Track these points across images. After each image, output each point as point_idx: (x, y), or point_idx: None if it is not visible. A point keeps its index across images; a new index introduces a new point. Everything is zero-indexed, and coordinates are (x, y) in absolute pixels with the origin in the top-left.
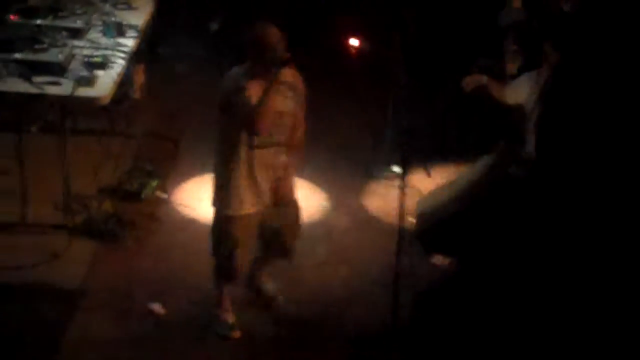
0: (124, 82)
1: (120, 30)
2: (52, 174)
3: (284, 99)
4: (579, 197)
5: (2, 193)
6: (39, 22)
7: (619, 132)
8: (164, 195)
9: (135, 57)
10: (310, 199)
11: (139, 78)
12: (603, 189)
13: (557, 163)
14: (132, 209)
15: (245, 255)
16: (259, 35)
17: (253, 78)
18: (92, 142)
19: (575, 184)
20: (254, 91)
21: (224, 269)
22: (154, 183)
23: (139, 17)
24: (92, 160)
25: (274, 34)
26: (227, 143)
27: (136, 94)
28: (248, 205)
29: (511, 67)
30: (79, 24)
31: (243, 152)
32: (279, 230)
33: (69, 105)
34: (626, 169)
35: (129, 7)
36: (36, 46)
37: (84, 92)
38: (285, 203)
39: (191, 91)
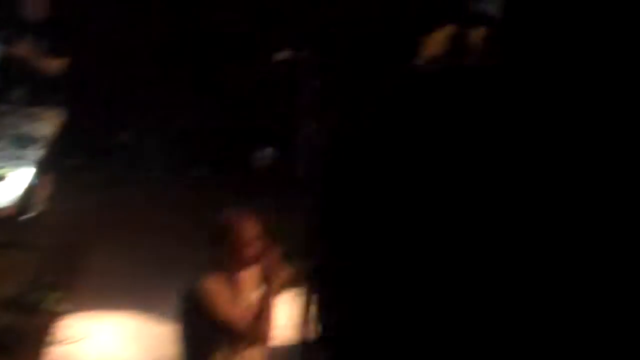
0: (29, 193)
1: (26, 141)
2: None
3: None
4: None
5: None
6: None
7: None
8: (65, 309)
9: (41, 168)
10: None
11: (45, 189)
12: None
13: None
14: (31, 322)
15: None
16: (232, 228)
17: (228, 278)
18: None
19: None
20: (243, 298)
21: None
22: (55, 296)
23: (46, 128)
24: None
25: (251, 227)
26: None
27: (41, 205)
28: None
29: None
30: None
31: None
32: None
33: None
34: None
35: (38, 118)
36: None
37: None
38: None
39: (99, 204)
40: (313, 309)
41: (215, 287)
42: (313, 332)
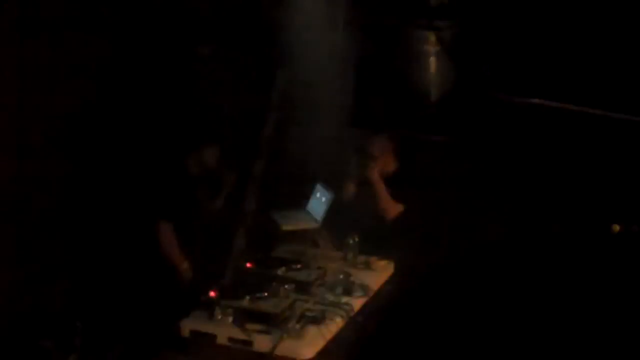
0: None
1: (349, 289)
2: None
3: None
4: None
5: None
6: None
7: None
8: None
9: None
10: None
11: None
12: None
13: None
14: None
15: None
16: None
17: None
18: None
19: None
20: None
21: None
22: None
23: (373, 279)
24: None
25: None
26: None
27: None
28: None
29: None
30: (308, 277)
31: None
32: None
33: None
34: None
35: (368, 267)
36: (257, 294)
37: (288, 345)
38: None
39: None
40: None
41: None
42: None
